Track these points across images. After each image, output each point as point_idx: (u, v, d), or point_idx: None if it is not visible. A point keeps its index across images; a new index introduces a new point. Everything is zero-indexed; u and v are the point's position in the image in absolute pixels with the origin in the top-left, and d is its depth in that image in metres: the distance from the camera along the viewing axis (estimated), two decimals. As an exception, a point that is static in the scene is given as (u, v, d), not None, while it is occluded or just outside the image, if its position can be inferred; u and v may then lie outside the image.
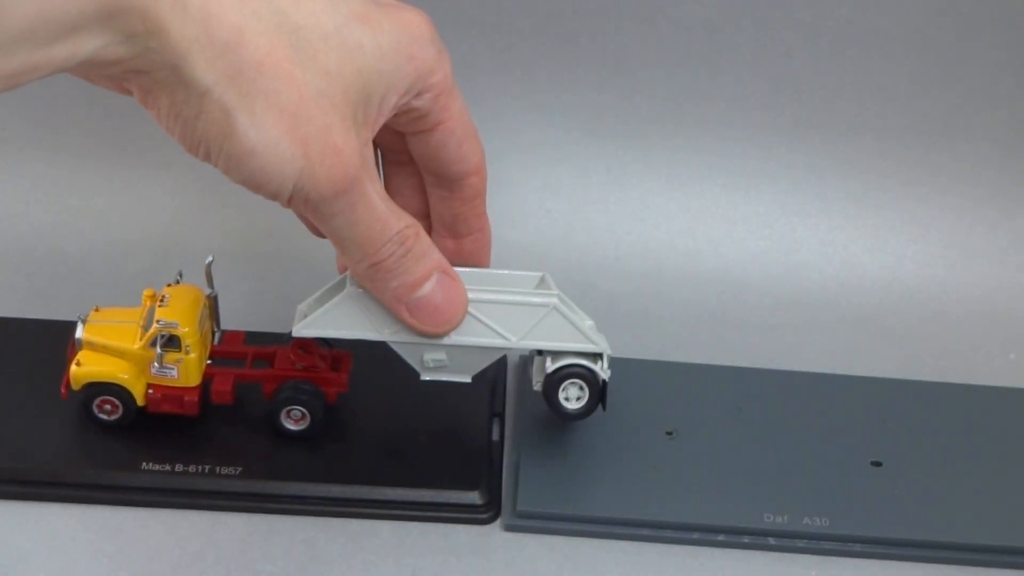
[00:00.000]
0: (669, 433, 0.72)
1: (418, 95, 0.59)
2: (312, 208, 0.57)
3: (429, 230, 0.67)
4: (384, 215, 0.59)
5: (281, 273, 0.82)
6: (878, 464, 0.71)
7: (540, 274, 0.68)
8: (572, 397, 0.68)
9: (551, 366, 0.67)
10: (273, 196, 0.55)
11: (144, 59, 0.50)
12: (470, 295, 0.64)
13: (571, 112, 0.85)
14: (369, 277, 0.62)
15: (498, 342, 0.66)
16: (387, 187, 0.67)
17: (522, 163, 0.86)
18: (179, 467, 0.68)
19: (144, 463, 0.68)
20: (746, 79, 0.84)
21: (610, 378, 0.67)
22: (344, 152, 0.55)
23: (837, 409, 0.75)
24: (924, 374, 0.79)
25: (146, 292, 0.69)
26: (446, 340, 0.65)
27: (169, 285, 0.69)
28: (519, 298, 0.65)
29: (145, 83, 0.52)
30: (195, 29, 0.50)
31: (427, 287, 0.62)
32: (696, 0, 0.82)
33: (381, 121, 0.58)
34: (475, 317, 0.65)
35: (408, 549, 0.67)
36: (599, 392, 0.67)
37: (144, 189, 0.86)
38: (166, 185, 0.86)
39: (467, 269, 0.66)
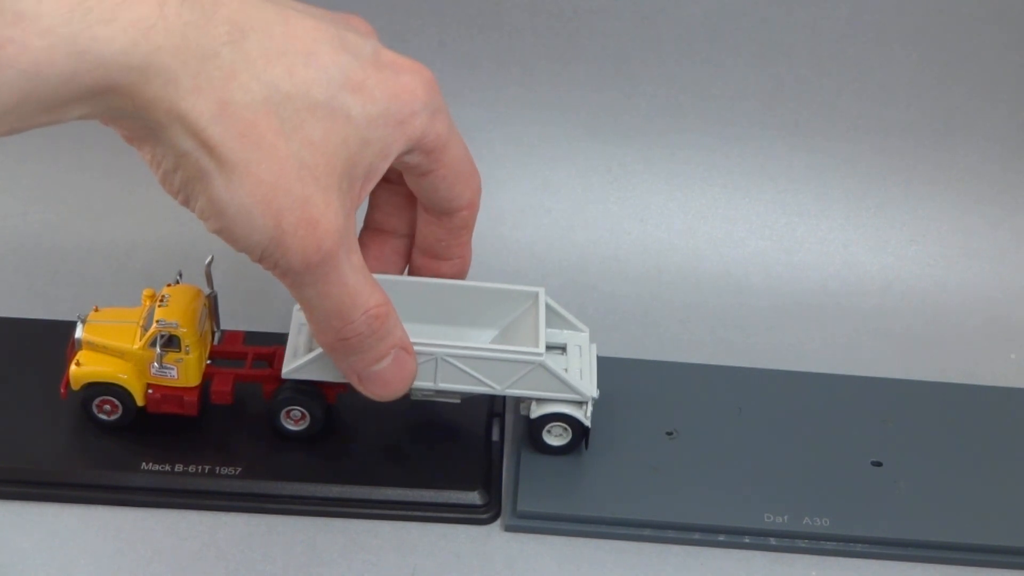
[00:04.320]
0: (669, 433, 0.72)
1: (409, 153, 0.60)
2: (281, 275, 0.57)
3: (410, 249, 0.67)
4: (355, 291, 0.59)
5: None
6: (878, 464, 0.71)
7: (537, 290, 0.68)
8: (556, 434, 0.69)
9: (536, 411, 0.68)
10: (243, 252, 0.56)
11: (127, 121, 0.52)
12: (457, 350, 0.65)
13: (571, 112, 0.85)
14: (331, 348, 0.62)
15: (484, 390, 0.67)
16: (372, 202, 0.67)
17: (522, 163, 0.86)
18: (179, 467, 0.68)
19: (144, 463, 0.68)
20: (747, 79, 0.84)
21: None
22: (320, 225, 0.55)
23: (837, 409, 0.75)
24: (924, 374, 0.78)
25: (146, 292, 0.69)
26: (433, 387, 0.66)
27: (169, 285, 0.69)
28: (506, 355, 0.66)
29: (127, 133, 0.54)
30: (182, 104, 0.50)
31: (382, 364, 0.63)
32: (696, 0, 0.82)
33: (369, 187, 0.59)
34: (462, 369, 0.65)
35: (408, 549, 0.67)
36: (582, 434, 0.69)
37: (144, 189, 0.85)
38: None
39: (463, 283, 0.67)
